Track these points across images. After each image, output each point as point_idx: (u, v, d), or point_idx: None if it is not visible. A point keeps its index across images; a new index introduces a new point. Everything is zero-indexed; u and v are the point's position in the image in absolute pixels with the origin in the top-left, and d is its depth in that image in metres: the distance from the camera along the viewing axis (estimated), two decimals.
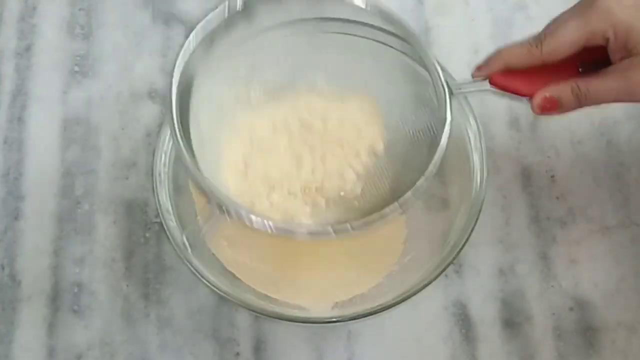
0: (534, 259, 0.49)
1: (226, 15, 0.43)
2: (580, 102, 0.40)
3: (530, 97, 0.41)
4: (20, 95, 0.53)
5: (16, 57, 0.54)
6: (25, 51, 0.55)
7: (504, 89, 0.42)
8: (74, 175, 0.51)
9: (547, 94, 0.40)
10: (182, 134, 0.39)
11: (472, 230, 0.43)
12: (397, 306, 0.47)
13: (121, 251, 0.49)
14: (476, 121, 0.45)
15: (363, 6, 0.43)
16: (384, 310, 0.42)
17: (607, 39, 0.39)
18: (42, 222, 0.50)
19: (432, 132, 0.42)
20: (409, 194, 0.39)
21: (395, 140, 0.46)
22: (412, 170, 0.41)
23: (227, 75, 0.45)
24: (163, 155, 0.45)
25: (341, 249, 0.46)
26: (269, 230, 0.38)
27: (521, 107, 0.53)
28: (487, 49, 0.53)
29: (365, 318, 0.47)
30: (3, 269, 0.49)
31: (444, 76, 0.42)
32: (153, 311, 0.48)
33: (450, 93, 0.41)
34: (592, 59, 0.40)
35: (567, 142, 0.52)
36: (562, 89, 0.40)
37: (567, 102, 0.40)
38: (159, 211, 0.43)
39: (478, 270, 0.48)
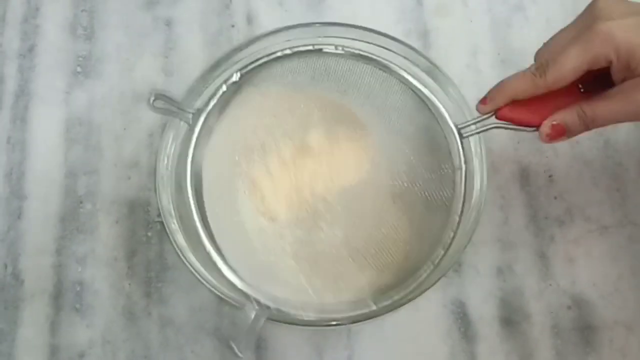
0: (532, 258, 0.49)
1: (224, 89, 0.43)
2: (587, 126, 0.40)
3: (537, 126, 0.41)
4: (23, 96, 0.54)
5: (19, 58, 0.55)
6: (28, 52, 0.55)
7: (511, 121, 0.41)
8: (76, 175, 0.51)
9: (554, 122, 0.40)
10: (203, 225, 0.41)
11: (473, 234, 0.43)
12: None
13: (123, 250, 0.49)
14: (480, 141, 0.45)
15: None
16: (384, 314, 0.42)
17: (610, 62, 0.39)
18: (44, 221, 0.50)
19: (446, 174, 0.42)
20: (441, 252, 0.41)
21: (409, 195, 0.46)
22: (431, 218, 0.42)
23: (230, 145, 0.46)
24: (165, 159, 0.45)
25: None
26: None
27: None
28: (486, 50, 0.54)
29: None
30: (6, 268, 0.49)
31: (452, 122, 0.42)
32: (155, 310, 0.48)
33: (461, 138, 0.42)
34: (593, 78, 0.40)
35: (565, 142, 0.52)
36: (568, 115, 0.40)
37: (574, 128, 0.40)
38: (162, 214, 0.44)
39: (477, 269, 0.49)
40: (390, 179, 0.47)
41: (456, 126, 0.42)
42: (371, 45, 0.46)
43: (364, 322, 0.42)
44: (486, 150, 0.45)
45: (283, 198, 0.46)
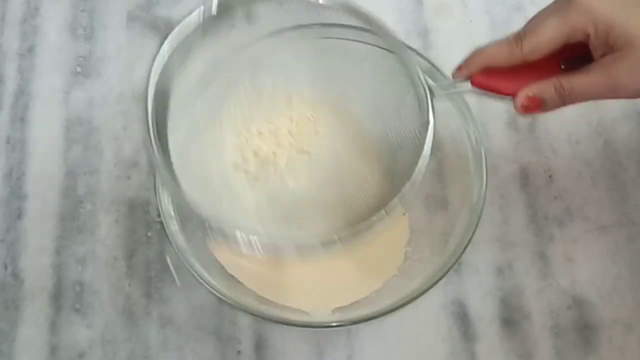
0: (532, 257, 0.49)
1: (201, 19, 0.42)
2: (564, 100, 0.40)
3: (512, 96, 0.40)
4: (22, 96, 0.54)
5: (19, 58, 0.55)
6: (28, 52, 0.55)
7: (486, 88, 0.41)
8: (76, 175, 0.51)
9: (530, 93, 0.40)
10: (159, 146, 0.38)
11: (472, 234, 0.43)
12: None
13: (123, 250, 0.49)
14: (476, 125, 0.46)
15: (333, 5, 0.42)
16: (384, 315, 0.42)
17: (588, 35, 0.39)
18: (44, 221, 0.50)
19: (417, 137, 0.41)
20: (395, 200, 0.39)
21: (381, 147, 0.46)
22: (401, 176, 0.41)
23: (203, 83, 0.45)
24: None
25: (343, 252, 0.46)
26: (257, 250, 0.38)
27: None
28: None
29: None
30: (6, 267, 0.49)
31: (425, 79, 0.41)
32: (155, 309, 0.48)
33: (432, 95, 0.41)
34: (575, 56, 0.40)
35: (564, 142, 0.52)
36: (544, 88, 0.39)
37: (550, 101, 0.40)
38: (162, 215, 0.44)
39: (477, 268, 0.49)
40: (363, 132, 0.47)
41: (428, 85, 0.41)
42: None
43: (366, 322, 0.42)
44: (485, 150, 0.45)
45: (255, 148, 0.46)
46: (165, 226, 0.43)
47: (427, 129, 0.40)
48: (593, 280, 0.48)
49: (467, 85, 0.41)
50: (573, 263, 0.49)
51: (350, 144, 0.47)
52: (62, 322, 0.48)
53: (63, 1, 0.57)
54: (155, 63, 0.40)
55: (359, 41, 0.44)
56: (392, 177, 0.43)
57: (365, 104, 0.47)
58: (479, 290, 0.48)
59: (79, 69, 0.54)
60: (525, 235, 0.50)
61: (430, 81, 0.41)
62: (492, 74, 0.41)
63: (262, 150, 0.47)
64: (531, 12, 0.55)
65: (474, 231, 0.43)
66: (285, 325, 0.47)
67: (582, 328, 0.47)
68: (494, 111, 0.53)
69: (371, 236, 0.39)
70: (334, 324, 0.43)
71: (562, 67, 0.40)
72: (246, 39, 0.45)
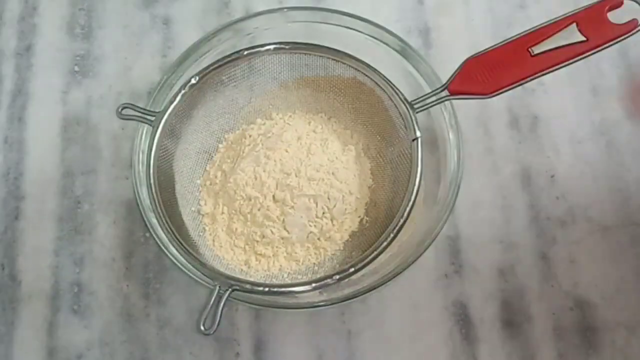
0: (534, 259, 0.49)
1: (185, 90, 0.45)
2: None
3: (489, 95, 0.43)
4: (20, 95, 0.53)
5: (16, 57, 0.54)
6: (26, 51, 0.55)
7: (462, 94, 0.43)
8: (74, 175, 0.51)
9: None
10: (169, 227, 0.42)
11: (453, 205, 0.44)
12: (397, 306, 0.48)
13: (121, 251, 0.49)
14: (450, 102, 0.46)
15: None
16: (372, 290, 0.43)
17: None
18: (42, 222, 0.50)
19: (407, 152, 0.44)
20: (400, 221, 0.42)
21: (379, 168, 0.48)
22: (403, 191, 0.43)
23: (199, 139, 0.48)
24: (140, 154, 0.45)
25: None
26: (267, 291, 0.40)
27: (521, 108, 0.53)
28: None
29: (363, 316, 0.47)
30: (3, 268, 0.49)
31: (402, 95, 0.44)
32: (153, 311, 0.48)
33: (414, 111, 0.44)
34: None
35: (567, 142, 0.52)
36: None
37: None
38: (140, 208, 0.44)
39: (478, 270, 0.48)
40: (356, 156, 0.48)
41: (408, 101, 0.44)
42: (339, 28, 0.48)
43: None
44: (458, 121, 0.46)
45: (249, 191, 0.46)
46: (145, 220, 0.44)
47: (417, 144, 0.43)
48: (595, 282, 0.48)
49: (445, 93, 0.44)
50: (575, 264, 0.49)
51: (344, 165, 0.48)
52: (59, 324, 0.47)
53: (61, 0, 0.56)
54: (154, 149, 0.44)
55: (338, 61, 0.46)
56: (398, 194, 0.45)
57: (352, 125, 0.49)
58: (480, 292, 0.48)
59: (76, 68, 0.54)
60: (527, 236, 0.49)
61: (408, 98, 0.44)
62: (466, 79, 0.43)
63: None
64: (534, 10, 0.56)
65: (454, 202, 0.44)
66: (285, 324, 0.47)
67: (585, 330, 0.47)
68: (496, 111, 0.52)
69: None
70: (321, 304, 0.43)
71: (532, 55, 0.43)
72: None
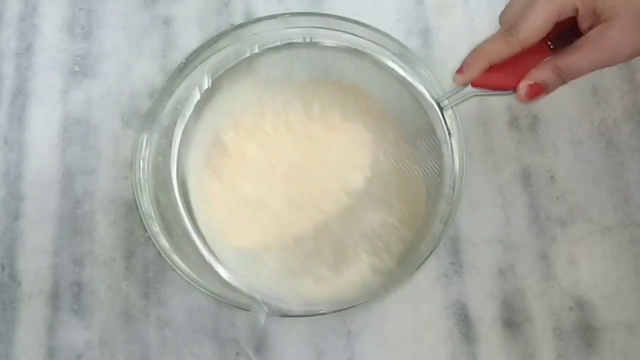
0: (534, 259, 0.49)
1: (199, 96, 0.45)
2: (563, 79, 0.40)
3: (513, 89, 0.41)
4: (20, 95, 0.53)
5: (16, 57, 0.54)
6: (26, 51, 0.55)
7: (487, 87, 0.42)
8: (74, 175, 0.51)
9: (531, 82, 0.40)
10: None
11: (456, 208, 0.44)
12: (397, 306, 0.48)
13: (121, 251, 0.49)
14: (452, 108, 0.46)
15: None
16: (376, 298, 0.43)
17: (577, 9, 0.39)
18: (42, 222, 0.50)
19: (428, 151, 0.43)
20: (438, 224, 0.42)
21: (400, 170, 0.47)
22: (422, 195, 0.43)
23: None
24: (141, 161, 0.45)
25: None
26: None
27: (521, 107, 0.53)
28: None
29: (363, 316, 0.47)
30: (3, 268, 0.49)
31: (430, 96, 0.43)
32: (153, 311, 0.48)
33: (441, 109, 0.43)
34: (560, 32, 0.41)
35: (566, 141, 0.52)
36: (543, 73, 0.40)
37: (551, 84, 0.40)
38: (142, 217, 0.44)
39: (478, 270, 0.48)
40: (374, 162, 0.47)
41: (435, 100, 0.43)
42: (341, 33, 0.47)
43: (358, 313, 0.42)
44: (461, 124, 0.45)
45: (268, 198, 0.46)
46: (146, 227, 0.44)
47: (446, 142, 0.42)
48: (596, 281, 0.48)
49: (469, 89, 0.42)
50: (575, 264, 0.49)
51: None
52: (59, 324, 0.47)
53: (61, 0, 0.56)
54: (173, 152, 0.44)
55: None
56: (413, 199, 0.45)
57: (373, 128, 0.48)
58: (480, 292, 0.48)
59: (77, 68, 0.54)
60: (527, 236, 0.49)
61: (434, 95, 0.43)
62: (489, 72, 0.41)
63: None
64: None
65: (456, 210, 0.44)
66: (285, 325, 0.47)
67: (585, 330, 0.47)
68: (496, 110, 0.52)
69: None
70: (322, 311, 0.43)
71: (551, 47, 0.41)
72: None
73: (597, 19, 0.39)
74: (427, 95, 0.43)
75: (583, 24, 0.40)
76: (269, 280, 0.44)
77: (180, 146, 0.44)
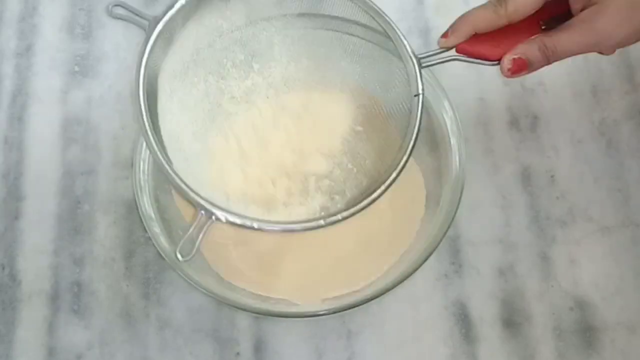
0: (534, 259, 0.49)
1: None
2: (549, 59, 0.40)
3: (497, 61, 0.41)
4: (20, 95, 0.53)
5: (16, 57, 0.54)
6: (26, 51, 0.55)
7: (471, 55, 0.41)
8: (74, 175, 0.51)
9: (515, 56, 0.40)
10: (152, 129, 0.39)
11: (455, 213, 0.44)
12: (397, 306, 0.48)
13: (121, 251, 0.49)
14: (452, 106, 0.46)
15: None
16: (372, 300, 0.43)
17: None
18: (42, 222, 0.50)
19: (407, 110, 0.42)
20: (394, 174, 0.39)
21: (372, 123, 0.46)
22: (393, 151, 0.41)
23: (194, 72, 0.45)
24: (142, 163, 0.45)
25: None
26: (254, 226, 0.38)
27: (521, 107, 0.53)
28: None
29: (363, 316, 0.47)
30: (3, 268, 0.49)
31: (412, 51, 0.42)
32: (153, 311, 0.48)
33: (420, 65, 0.41)
34: (553, 15, 0.40)
35: (567, 141, 0.52)
36: (529, 49, 0.40)
37: (535, 61, 0.40)
38: (142, 218, 0.44)
39: (478, 270, 0.48)
40: (355, 108, 0.47)
41: (415, 55, 0.42)
42: (339, 34, 0.46)
43: (358, 315, 0.42)
44: (456, 110, 0.45)
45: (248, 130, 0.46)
46: (146, 228, 0.43)
47: (418, 98, 0.40)
48: (596, 281, 0.48)
49: (452, 53, 0.42)
50: (575, 264, 0.49)
51: (341, 118, 0.47)
52: (59, 324, 0.47)
53: (61, 0, 0.56)
54: (147, 50, 0.41)
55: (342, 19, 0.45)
56: (388, 155, 0.43)
57: (355, 79, 0.47)
58: (480, 292, 0.48)
59: (76, 68, 0.54)
60: (527, 236, 0.49)
61: (416, 52, 0.42)
62: (475, 40, 0.41)
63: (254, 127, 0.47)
64: None
65: (456, 211, 0.44)
66: (285, 325, 0.47)
67: (585, 330, 0.47)
68: (496, 110, 0.52)
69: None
70: (322, 312, 0.43)
71: (543, 27, 0.41)
72: (230, 24, 0.45)
73: (588, 2, 0.39)
74: (409, 49, 0.42)
75: (574, 5, 0.40)
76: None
77: (153, 50, 0.41)
